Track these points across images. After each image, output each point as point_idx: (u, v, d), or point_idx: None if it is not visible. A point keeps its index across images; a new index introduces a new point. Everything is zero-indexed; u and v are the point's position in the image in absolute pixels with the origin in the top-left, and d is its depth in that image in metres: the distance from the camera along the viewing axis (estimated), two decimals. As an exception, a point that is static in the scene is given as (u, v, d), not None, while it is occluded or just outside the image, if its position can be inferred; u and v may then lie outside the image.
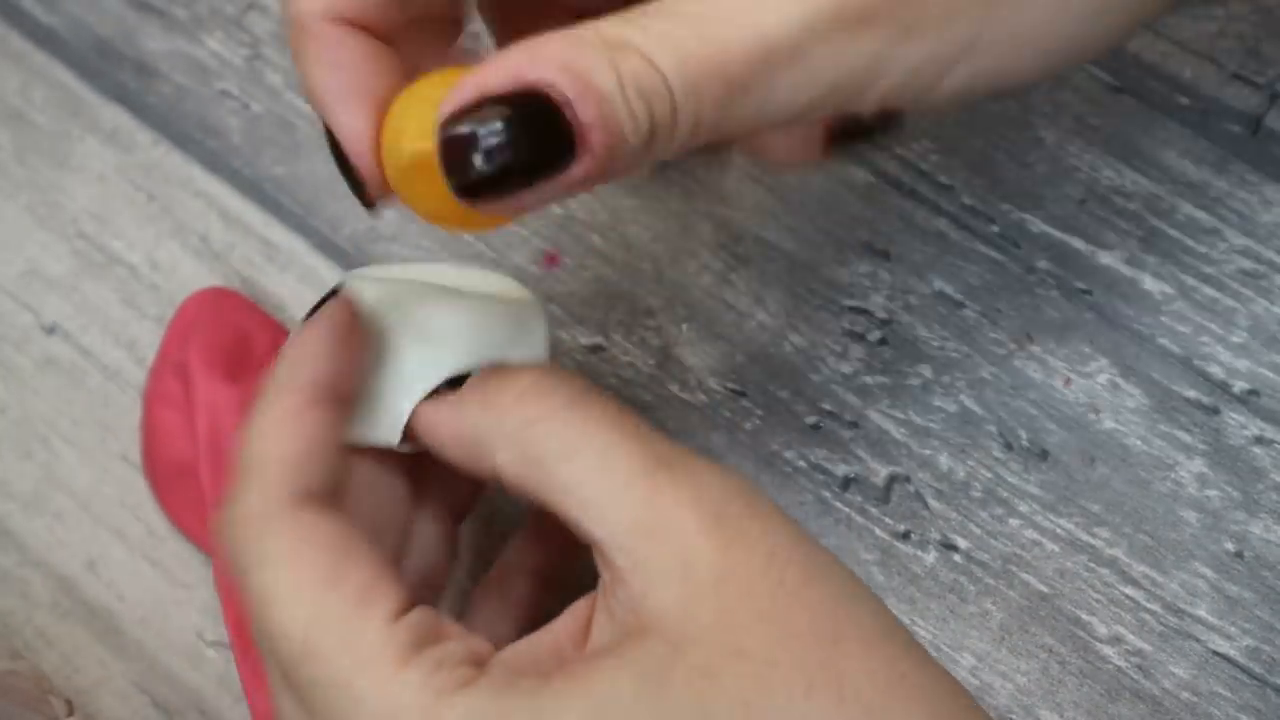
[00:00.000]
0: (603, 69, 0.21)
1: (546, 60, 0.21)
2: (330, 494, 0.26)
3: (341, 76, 0.25)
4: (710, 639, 0.23)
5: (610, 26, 0.22)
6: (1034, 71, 0.25)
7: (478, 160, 0.21)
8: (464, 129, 0.21)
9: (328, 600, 0.24)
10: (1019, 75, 0.24)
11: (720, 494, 0.24)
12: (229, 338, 0.38)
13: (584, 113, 0.21)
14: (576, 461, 0.25)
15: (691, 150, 0.23)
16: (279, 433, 0.26)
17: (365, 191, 0.26)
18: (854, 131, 0.28)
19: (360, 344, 0.28)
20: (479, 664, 0.24)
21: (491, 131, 0.21)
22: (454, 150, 0.22)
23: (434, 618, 0.24)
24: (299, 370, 0.26)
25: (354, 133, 0.25)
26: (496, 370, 0.27)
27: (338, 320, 0.27)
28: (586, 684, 0.23)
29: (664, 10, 0.22)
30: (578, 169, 0.21)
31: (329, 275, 0.40)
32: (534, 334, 0.30)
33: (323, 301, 0.28)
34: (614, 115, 0.21)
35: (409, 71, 0.26)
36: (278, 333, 0.39)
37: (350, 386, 0.27)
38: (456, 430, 0.27)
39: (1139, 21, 0.25)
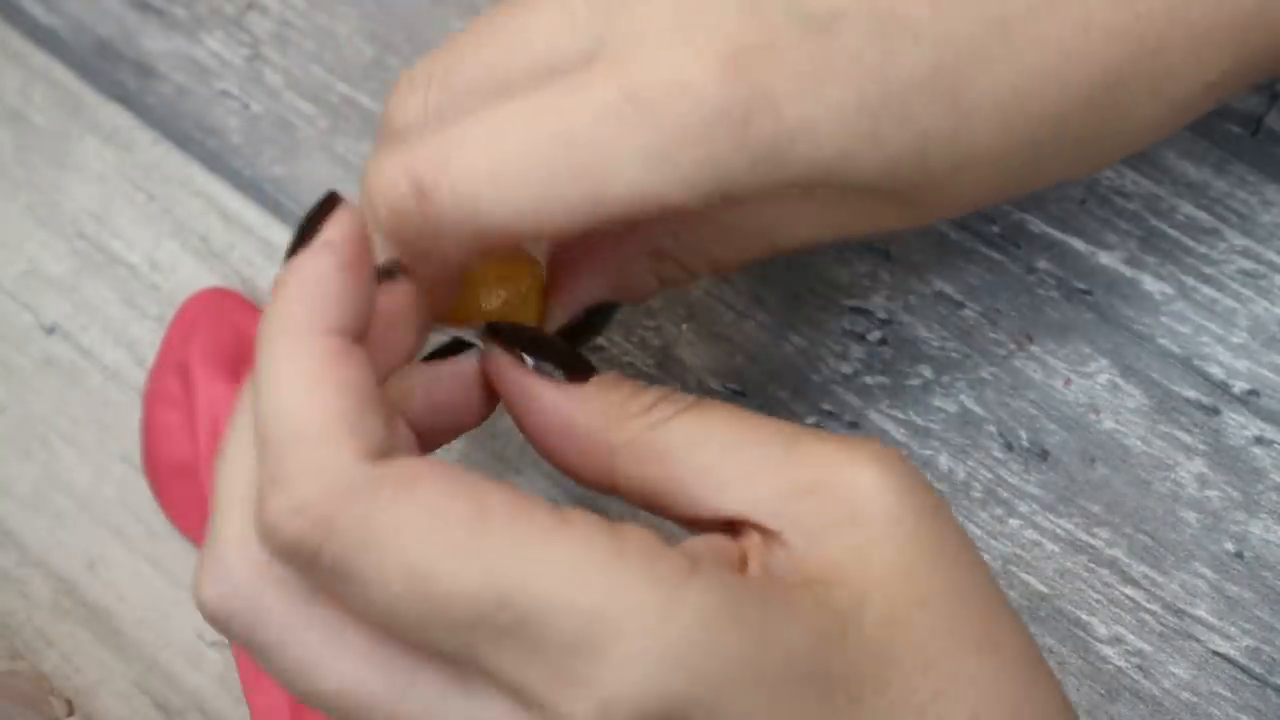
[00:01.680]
0: (642, 271, 0.31)
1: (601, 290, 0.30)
2: (392, 444, 0.23)
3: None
4: (891, 587, 0.23)
5: (650, 237, 0.30)
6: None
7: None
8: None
9: (491, 540, 0.21)
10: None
11: (866, 446, 0.25)
12: (229, 338, 0.38)
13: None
14: (707, 448, 0.25)
15: None
16: (317, 391, 0.22)
17: None
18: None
19: (366, 273, 0.24)
20: (681, 552, 0.22)
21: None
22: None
23: (593, 513, 0.23)
24: (311, 313, 0.23)
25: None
26: (620, 381, 0.27)
27: (342, 253, 0.24)
28: (799, 607, 0.22)
29: (699, 223, 0.30)
30: None
31: (329, 275, 0.40)
32: None
33: (317, 212, 0.24)
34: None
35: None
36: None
37: (366, 324, 0.24)
38: (571, 425, 0.26)
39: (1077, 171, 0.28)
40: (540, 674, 0.21)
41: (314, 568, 0.22)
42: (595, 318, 0.30)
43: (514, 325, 0.28)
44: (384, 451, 0.22)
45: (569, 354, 0.27)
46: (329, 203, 0.24)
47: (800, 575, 0.24)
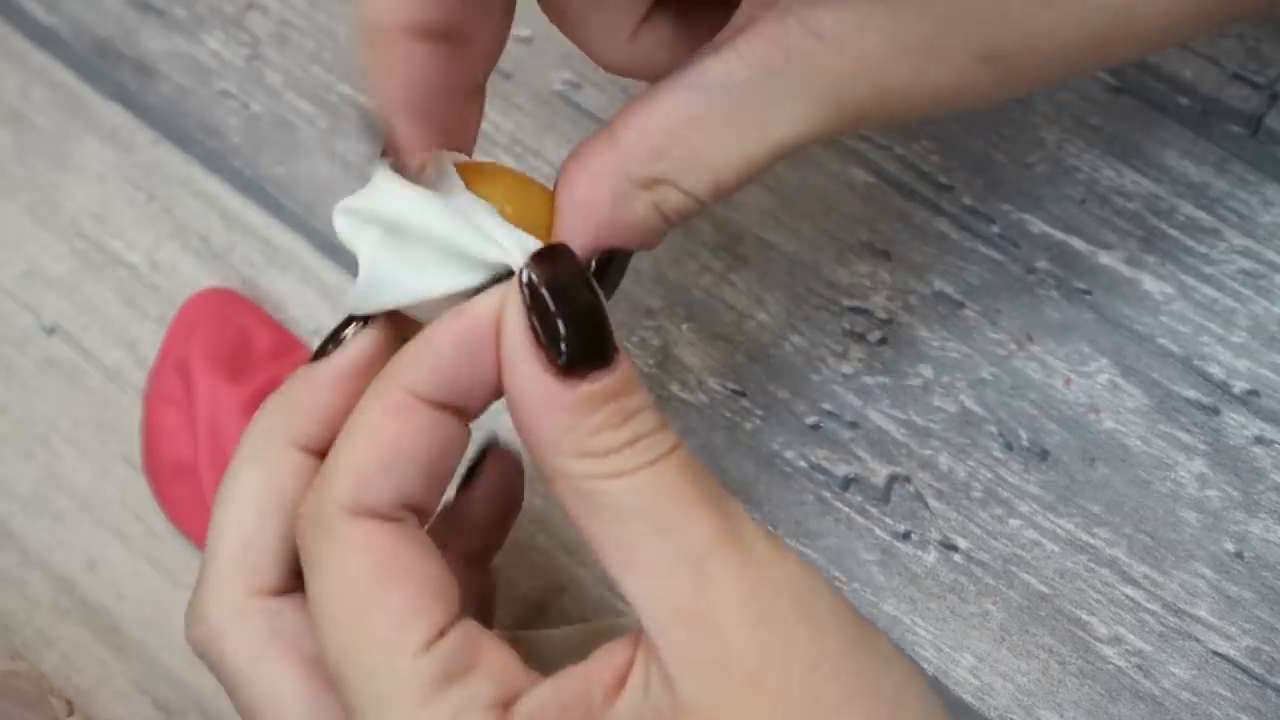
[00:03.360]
0: (650, 215, 0.27)
1: (604, 227, 0.27)
2: (405, 503, 0.25)
3: (410, 92, 0.26)
4: None
5: (640, 163, 0.26)
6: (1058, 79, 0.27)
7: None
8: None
9: (360, 627, 0.23)
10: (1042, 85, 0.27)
11: (773, 590, 0.23)
12: (230, 338, 0.38)
13: (641, 246, 0.28)
14: (632, 526, 0.23)
15: None
16: (370, 431, 0.25)
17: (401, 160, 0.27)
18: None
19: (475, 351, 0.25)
20: (505, 705, 0.23)
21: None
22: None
23: (471, 640, 0.24)
24: (400, 370, 0.25)
25: (410, 144, 0.26)
26: (609, 397, 0.24)
27: (462, 327, 0.25)
28: None
29: (686, 131, 0.26)
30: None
31: (329, 276, 0.40)
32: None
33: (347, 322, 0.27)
34: (657, 235, 0.27)
35: (471, 72, 0.27)
36: (278, 333, 0.39)
37: (453, 392, 0.25)
38: (538, 420, 0.24)
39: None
40: None
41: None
42: (606, 270, 0.28)
43: (564, 259, 0.25)
44: (393, 501, 0.25)
45: (595, 331, 0.24)
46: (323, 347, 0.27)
47: (667, 700, 0.23)
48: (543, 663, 0.25)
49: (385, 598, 0.24)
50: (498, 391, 0.25)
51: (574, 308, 0.24)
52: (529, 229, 0.26)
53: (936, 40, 0.25)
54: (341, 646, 0.23)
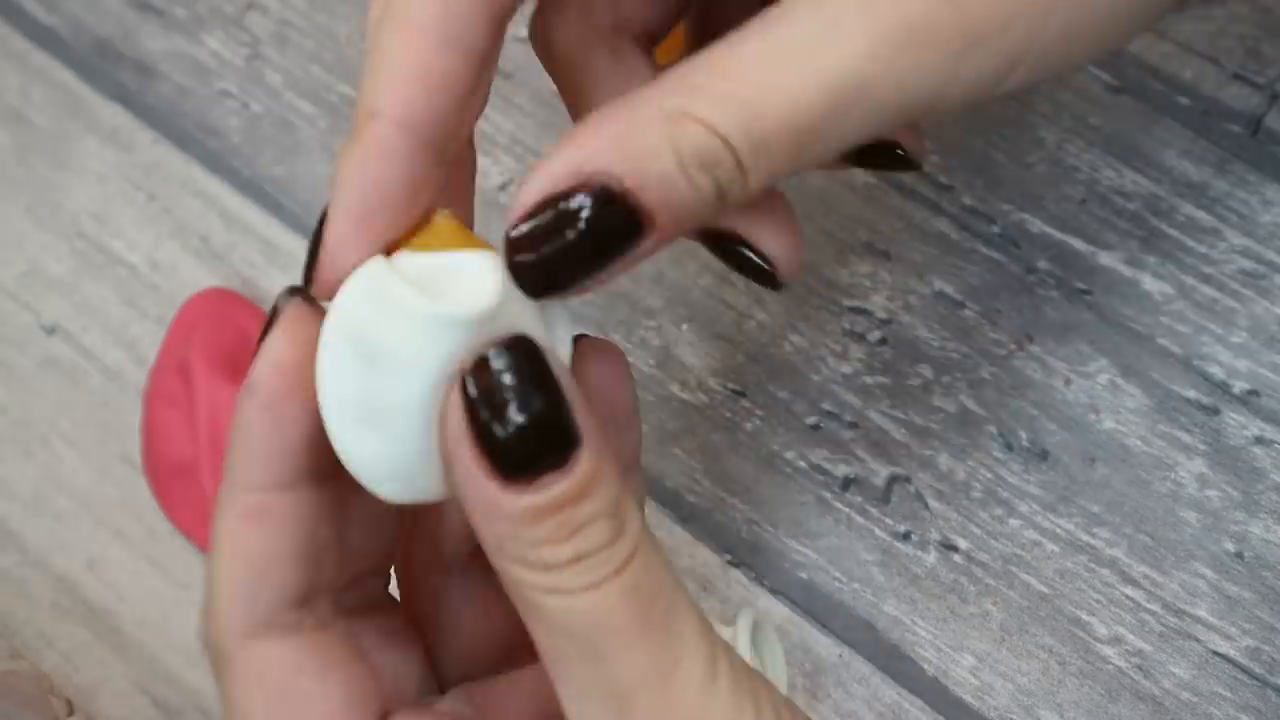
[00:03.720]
0: (662, 150, 0.21)
1: (603, 149, 0.21)
2: (302, 597, 0.23)
3: (368, 195, 0.22)
4: None
5: (669, 94, 0.21)
6: (1086, 59, 0.24)
7: (547, 261, 0.21)
8: (530, 230, 0.21)
9: None
10: (1070, 66, 0.24)
11: None
12: (230, 338, 0.38)
13: (646, 199, 0.21)
14: (572, 644, 0.21)
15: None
16: (232, 546, 0.23)
17: (310, 276, 0.23)
18: (881, 159, 0.27)
19: (306, 402, 0.22)
20: None
21: (560, 231, 0.21)
22: (521, 249, 0.21)
23: None
24: (239, 469, 0.23)
25: (340, 241, 0.23)
26: (559, 507, 0.21)
27: (287, 371, 0.22)
28: None
29: (725, 63, 0.22)
30: (645, 245, 0.21)
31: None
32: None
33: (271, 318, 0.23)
34: (677, 194, 0.21)
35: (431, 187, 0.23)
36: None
37: (290, 470, 0.23)
38: (478, 520, 0.21)
39: None
40: None
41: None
42: (596, 219, 0.23)
43: (518, 348, 0.21)
44: (275, 621, 0.23)
45: (551, 426, 0.21)
46: (274, 312, 0.23)
47: None
48: None
49: None
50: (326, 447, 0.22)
51: (523, 410, 0.20)
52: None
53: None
54: None
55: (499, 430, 0.20)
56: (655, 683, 0.21)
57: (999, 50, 0.22)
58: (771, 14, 0.22)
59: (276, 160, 0.41)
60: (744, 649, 0.32)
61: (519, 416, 0.20)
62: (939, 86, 0.22)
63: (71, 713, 0.38)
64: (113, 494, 0.39)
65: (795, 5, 0.22)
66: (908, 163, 0.27)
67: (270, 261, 0.41)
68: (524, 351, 0.21)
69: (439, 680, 0.26)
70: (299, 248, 0.40)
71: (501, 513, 0.20)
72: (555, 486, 0.20)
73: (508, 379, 0.20)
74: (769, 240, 0.26)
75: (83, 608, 0.39)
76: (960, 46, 0.22)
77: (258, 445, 0.22)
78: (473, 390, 0.20)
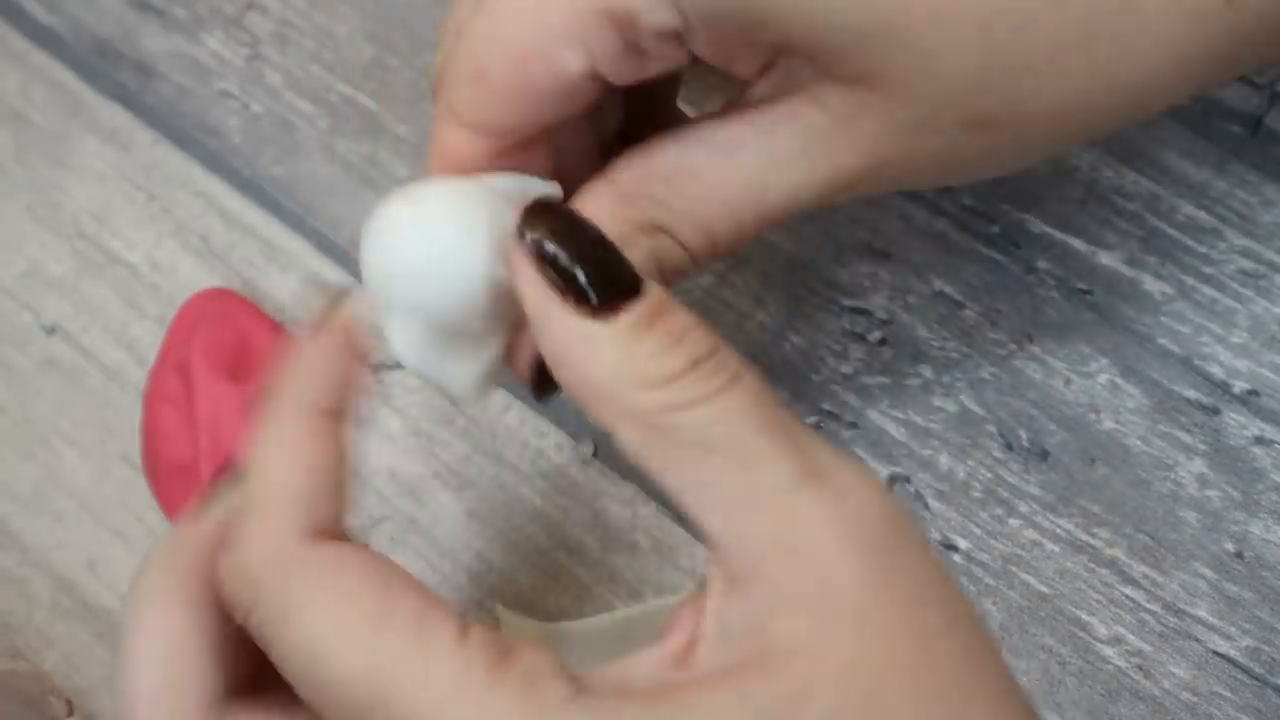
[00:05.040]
0: (647, 265, 0.27)
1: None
2: (340, 523, 0.25)
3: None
4: (843, 684, 0.21)
5: (642, 208, 0.27)
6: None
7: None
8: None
9: (385, 638, 0.22)
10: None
11: (873, 520, 0.22)
12: (230, 338, 0.38)
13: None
14: (710, 462, 0.22)
15: None
16: (285, 465, 0.24)
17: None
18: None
19: (360, 359, 0.26)
20: (570, 678, 0.22)
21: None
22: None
23: (496, 633, 0.23)
24: (302, 392, 0.25)
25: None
26: (654, 322, 0.23)
27: (339, 339, 0.26)
28: (701, 713, 0.21)
29: (691, 182, 0.27)
30: None
31: (330, 276, 0.40)
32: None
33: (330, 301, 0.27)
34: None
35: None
36: (278, 333, 0.39)
37: (350, 403, 0.26)
38: (588, 367, 0.23)
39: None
40: None
41: (248, 624, 0.24)
42: None
43: (552, 208, 0.24)
44: (328, 531, 0.24)
45: (612, 261, 0.23)
46: (338, 295, 0.27)
47: (756, 644, 0.22)
48: (568, 655, 0.25)
49: (396, 605, 0.23)
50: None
51: (583, 248, 0.23)
52: None
53: (925, 114, 0.26)
54: (370, 665, 0.22)
55: (579, 274, 0.23)
56: (812, 476, 0.22)
57: (919, 178, 0.28)
58: (721, 134, 0.27)
59: (276, 160, 0.41)
60: None
61: (587, 248, 0.23)
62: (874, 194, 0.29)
63: (71, 713, 0.38)
64: (113, 494, 0.39)
65: (749, 138, 0.26)
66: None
67: (270, 261, 0.41)
68: (561, 205, 0.24)
69: None
70: (299, 248, 0.40)
71: (608, 339, 0.23)
72: (642, 302, 0.23)
73: (564, 223, 0.24)
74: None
75: (83, 608, 0.39)
76: (876, 191, 0.28)
77: (322, 369, 0.25)
78: (535, 245, 0.23)
